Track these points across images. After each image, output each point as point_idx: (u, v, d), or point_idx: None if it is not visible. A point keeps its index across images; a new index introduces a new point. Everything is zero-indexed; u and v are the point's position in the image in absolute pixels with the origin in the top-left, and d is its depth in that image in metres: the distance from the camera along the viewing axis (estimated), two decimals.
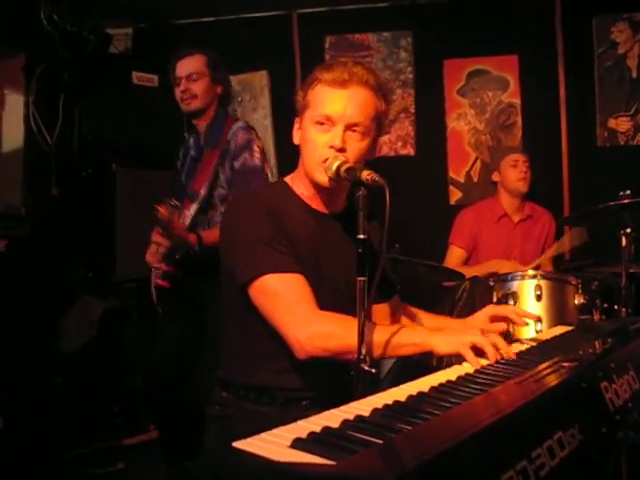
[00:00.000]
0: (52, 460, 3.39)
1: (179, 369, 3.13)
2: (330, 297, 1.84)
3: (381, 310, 2.06)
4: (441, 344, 1.63)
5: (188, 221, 2.97)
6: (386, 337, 1.65)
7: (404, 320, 2.16)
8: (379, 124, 1.88)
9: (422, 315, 2.19)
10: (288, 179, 1.98)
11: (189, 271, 2.96)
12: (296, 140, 1.92)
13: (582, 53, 4.25)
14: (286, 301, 1.71)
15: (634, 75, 4.18)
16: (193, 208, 2.98)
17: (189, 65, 3.07)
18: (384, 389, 1.31)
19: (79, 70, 4.07)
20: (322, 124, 1.80)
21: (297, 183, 1.94)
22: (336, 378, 1.71)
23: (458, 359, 1.61)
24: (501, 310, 1.99)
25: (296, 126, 1.92)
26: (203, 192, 2.97)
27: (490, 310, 1.99)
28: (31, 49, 3.96)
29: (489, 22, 4.35)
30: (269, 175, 3.08)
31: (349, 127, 1.79)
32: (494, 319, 1.94)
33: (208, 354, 2.96)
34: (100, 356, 3.92)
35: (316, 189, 1.89)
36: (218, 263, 1.93)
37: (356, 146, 1.81)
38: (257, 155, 2.97)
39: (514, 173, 3.86)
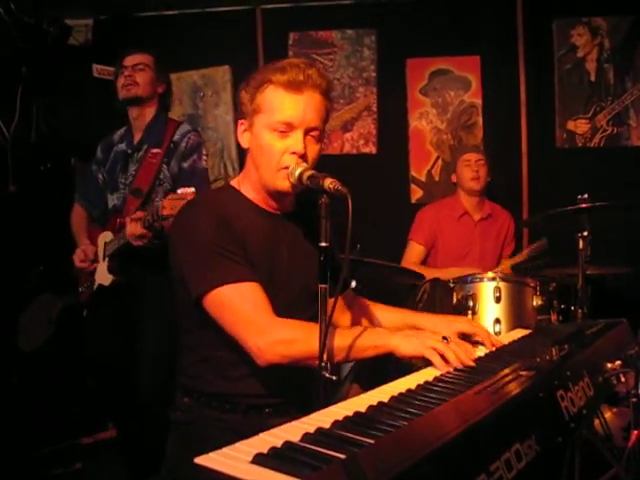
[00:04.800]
0: (9, 461, 3.33)
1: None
2: (286, 297, 1.85)
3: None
4: (403, 346, 1.64)
5: (131, 214, 2.99)
6: (347, 341, 1.66)
7: (362, 317, 2.16)
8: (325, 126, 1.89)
9: (382, 310, 2.18)
10: (235, 183, 1.97)
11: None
12: (244, 144, 1.89)
13: (542, 55, 4.31)
14: (243, 311, 1.69)
15: (592, 78, 4.26)
16: (137, 203, 3.06)
17: (136, 57, 3.18)
18: (345, 389, 1.32)
19: (37, 62, 3.99)
20: (280, 130, 1.77)
21: (246, 186, 1.93)
22: (297, 383, 1.72)
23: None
24: (470, 329, 1.94)
25: (241, 128, 1.88)
26: (146, 189, 3.07)
27: (461, 328, 1.94)
28: None
29: (452, 22, 4.39)
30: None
31: (307, 132, 1.79)
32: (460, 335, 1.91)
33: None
34: (58, 354, 3.86)
35: (267, 192, 1.88)
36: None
37: (314, 150, 1.82)
38: (204, 158, 3.15)
39: (467, 172, 3.93)
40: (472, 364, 1.59)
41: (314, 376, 1.56)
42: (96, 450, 3.73)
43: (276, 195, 1.88)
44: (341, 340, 1.66)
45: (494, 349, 1.84)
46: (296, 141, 1.77)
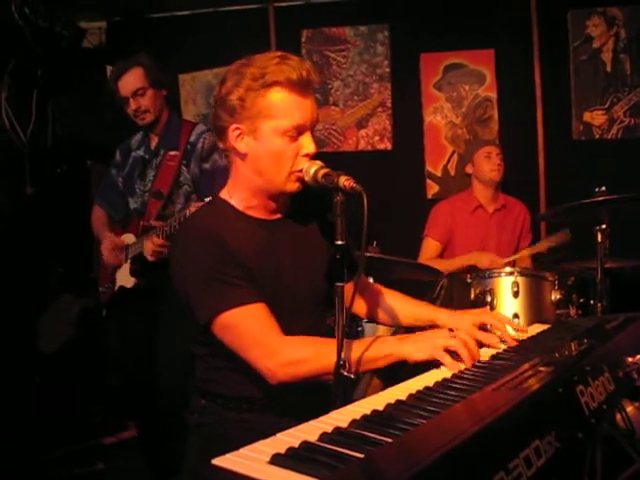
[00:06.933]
0: (32, 461, 3.36)
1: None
2: (294, 302, 1.84)
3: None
4: (413, 352, 1.61)
5: (153, 217, 3.07)
6: (356, 353, 1.64)
7: (378, 307, 2.15)
8: None
9: (400, 300, 2.15)
10: (224, 194, 1.89)
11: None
12: (242, 149, 1.77)
13: (557, 47, 4.28)
14: (249, 334, 1.68)
15: (609, 69, 4.22)
16: (158, 206, 3.09)
17: (130, 82, 3.10)
18: (364, 384, 1.31)
19: (52, 65, 4.02)
20: (291, 135, 1.73)
21: (238, 195, 1.86)
22: (314, 382, 1.71)
23: None
24: (489, 320, 1.94)
25: (236, 133, 1.75)
26: (167, 191, 3.08)
27: (480, 319, 1.94)
28: (2, 45, 3.90)
29: (465, 16, 4.36)
30: None
31: (311, 130, 1.78)
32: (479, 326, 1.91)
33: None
34: (78, 354, 3.89)
35: (268, 196, 1.83)
36: None
37: (315, 147, 1.80)
38: (224, 156, 3.10)
39: (488, 165, 3.91)
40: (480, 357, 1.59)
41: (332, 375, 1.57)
42: (118, 450, 3.75)
43: (277, 197, 1.84)
44: (351, 353, 1.64)
45: (514, 342, 1.83)
46: (308, 143, 1.75)
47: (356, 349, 1.65)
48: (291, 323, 1.74)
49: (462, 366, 1.55)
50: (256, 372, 1.69)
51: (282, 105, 1.71)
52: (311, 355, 1.66)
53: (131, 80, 3.09)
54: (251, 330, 1.68)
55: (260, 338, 1.67)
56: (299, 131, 1.73)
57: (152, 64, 3.15)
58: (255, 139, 1.74)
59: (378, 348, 1.66)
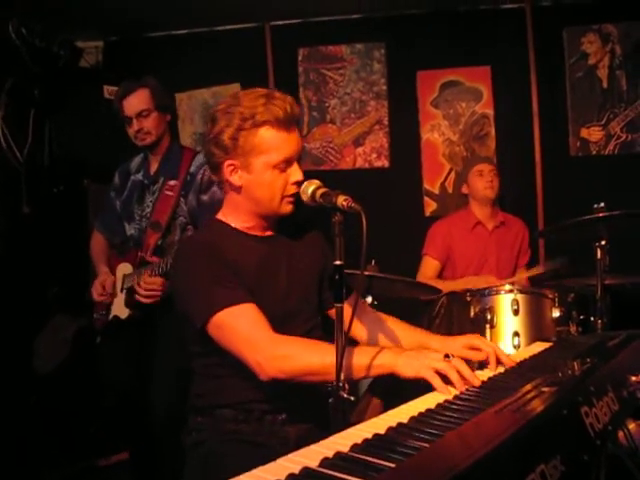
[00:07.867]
0: None
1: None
2: (288, 309, 1.94)
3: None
4: (405, 368, 1.62)
5: (151, 248, 3.05)
6: (351, 360, 1.66)
7: (379, 332, 2.13)
8: None
9: (396, 325, 2.15)
10: (221, 217, 2.04)
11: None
12: (236, 182, 1.92)
13: (553, 64, 4.29)
14: (241, 331, 1.75)
15: (605, 85, 4.23)
16: (157, 237, 3.07)
17: (135, 103, 3.08)
18: (364, 404, 1.29)
19: (49, 85, 4.02)
20: (282, 168, 1.88)
21: (233, 217, 2.01)
22: (311, 391, 1.73)
23: None
24: (481, 345, 1.88)
25: (230, 169, 1.90)
26: (165, 222, 3.07)
27: (470, 341, 1.92)
28: (0, 64, 3.90)
29: (461, 33, 4.37)
30: None
31: (298, 159, 1.93)
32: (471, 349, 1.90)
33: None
34: (74, 376, 3.86)
35: (259, 219, 1.98)
36: None
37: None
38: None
39: (481, 182, 3.92)
40: (477, 382, 1.55)
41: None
42: (112, 472, 3.71)
43: (271, 218, 1.99)
44: (345, 358, 1.62)
45: (504, 367, 1.78)
46: (296, 171, 1.90)
47: (350, 356, 1.66)
48: (285, 333, 1.78)
49: (452, 390, 1.51)
50: (251, 373, 1.73)
51: (272, 142, 1.86)
52: (297, 352, 1.72)
53: (136, 101, 3.08)
54: (241, 327, 1.76)
55: (250, 334, 1.75)
56: (288, 162, 1.88)
57: (159, 87, 3.15)
58: (248, 173, 1.90)
59: (369, 357, 1.67)
